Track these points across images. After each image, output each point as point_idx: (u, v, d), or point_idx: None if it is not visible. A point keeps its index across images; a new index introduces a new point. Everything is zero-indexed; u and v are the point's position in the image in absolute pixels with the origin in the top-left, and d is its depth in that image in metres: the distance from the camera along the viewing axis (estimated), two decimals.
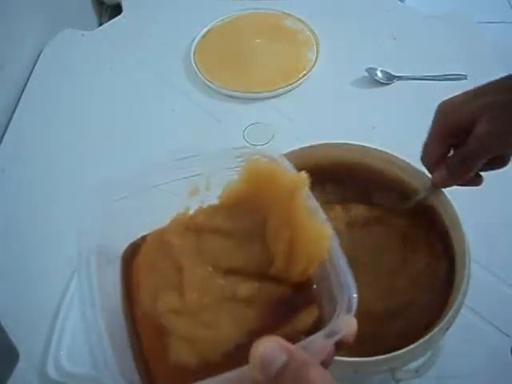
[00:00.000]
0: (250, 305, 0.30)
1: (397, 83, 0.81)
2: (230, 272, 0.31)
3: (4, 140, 0.77)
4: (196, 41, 0.88)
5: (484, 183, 0.68)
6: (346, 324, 0.27)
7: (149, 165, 0.34)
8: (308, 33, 0.88)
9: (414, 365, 0.46)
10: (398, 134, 0.72)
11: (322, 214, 0.31)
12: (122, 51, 0.89)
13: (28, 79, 0.85)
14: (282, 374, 0.24)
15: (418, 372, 0.47)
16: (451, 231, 0.48)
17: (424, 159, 0.47)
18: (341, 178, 0.53)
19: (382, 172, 0.53)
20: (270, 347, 0.24)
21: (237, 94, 0.80)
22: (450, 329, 0.42)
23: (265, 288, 0.30)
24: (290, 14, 0.91)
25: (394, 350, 0.40)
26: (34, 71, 0.86)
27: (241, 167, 0.33)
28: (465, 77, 0.81)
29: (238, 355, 0.26)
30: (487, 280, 0.58)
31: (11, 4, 0.82)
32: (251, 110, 0.79)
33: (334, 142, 0.53)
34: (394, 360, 0.40)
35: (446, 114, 0.44)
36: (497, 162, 0.45)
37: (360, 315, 0.45)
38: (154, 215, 0.33)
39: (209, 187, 0.35)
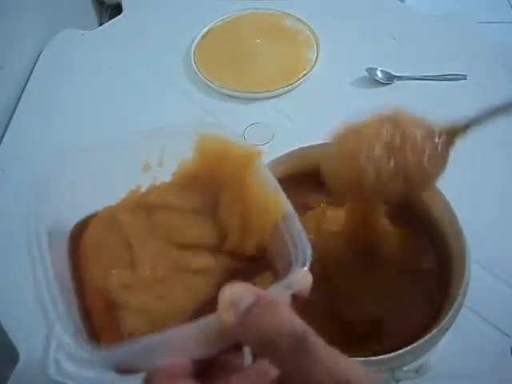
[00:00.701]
0: (205, 276, 0.29)
1: (397, 83, 0.81)
2: (184, 247, 0.30)
3: (4, 140, 0.77)
4: (196, 41, 0.88)
5: (484, 183, 0.69)
6: (302, 277, 0.27)
7: (100, 141, 0.33)
8: (308, 33, 0.88)
9: (414, 365, 0.46)
10: None
11: (276, 185, 0.30)
12: (122, 51, 0.89)
13: (28, 79, 0.85)
14: (250, 311, 0.24)
15: (417, 372, 0.47)
16: (450, 231, 0.48)
17: None
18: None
19: None
20: (238, 289, 0.25)
21: (237, 93, 0.80)
22: (450, 329, 0.42)
23: (220, 260, 0.30)
24: (290, 14, 0.91)
25: (393, 350, 0.40)
26: (33, 71, 0.86)
27: (194, 142, 0.32)
28: (465, 77, 0.81)
29: None
30: (487, 280, 0.58)
31: (11, 4, 0.82)
32: (251, 110, 0.79)
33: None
34: (394, 360, 0.40)
35: None
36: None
37: (360, 315, 0.45)
38: (105, 193, 0.33)
39: (161, 163, 0.34)
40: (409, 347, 0.40)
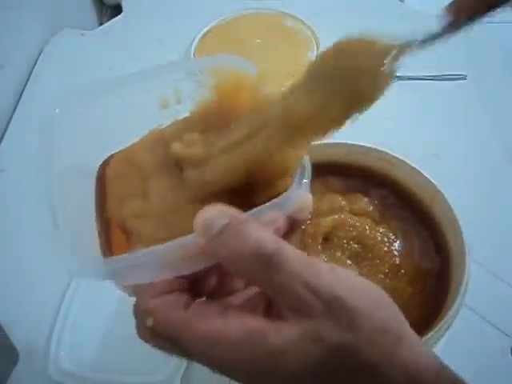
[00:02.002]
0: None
1: (397, 83, 0.81)
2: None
3: (4, 140, 0.77)
4: (196, 41, 0.88)
5: (484, 182, 0.69)
6: (299, 198, 0.26)
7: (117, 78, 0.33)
8: (308, 33, 0.88)
9: None
10: (398, 134, 0.72)
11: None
12: (121, 51, 0.89)
13: (28, 79, 0.85)
14: (222, 233, 0.24)
15: None
16: (450, 231, 0.48)
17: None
18: (339, 178, 0.53)
19: (381, 172, 0.53)
20: (211, 212, 0.25)
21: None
22: (450, 329, 0.42)
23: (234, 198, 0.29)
24: (289, 14, 0.91)
25: None
26: (34, 71, 0.86)
27: (210, 77, 0.32)
28: (465, 77, 0.81)
29: None
30: (487, 280, 0.58)
31: (11, 4, 0.82)
32: None
33: (334, 141, 0.53)
34: None
35: None
36: None
37: None
38: (126, 133, 0.33)
39: (179, 100, 0.34)
40: None
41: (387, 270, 0.48)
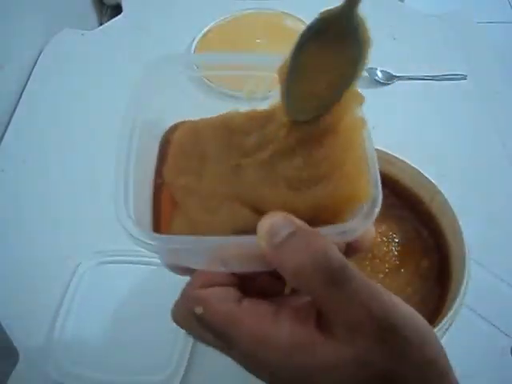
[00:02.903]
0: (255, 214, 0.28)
1: (397, 83, 0.81)
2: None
3: (4, 140, 0.77)
4: (196, 41, 0.88)
5: (484, 182, 0.69)
6: (363, 227, 0.25)
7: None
8: None
9: None
10: (398, 134, 0.72)
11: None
12: (122, 51, 0.89)
13: (28, 79, 0.85)
14: (286, 242, 0.23)
15: None
16: (450, 231, 0.48)
17: None
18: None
19: (381, 172, 0.53)
20: (277, 218, 0.24)
21: (237, 94, 0.80)
22: (450, 329, 0.42)
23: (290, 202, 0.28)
24: (289, 14, 0.91)
25: None
26: (33, 71, 0.86)
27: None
28: (465, 77, 0.81)
29: None
30: (487, 280, 0.58)
31: (11, 4, 0.82)
32: None
33: None
34: None
35: None
36: None
37: None
38: (205, 110, 0.34)
39: (266, 96, 0.34)
40: None
41: (387, 270, 0.48)
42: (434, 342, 0.24)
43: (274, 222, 0.24)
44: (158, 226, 0.29)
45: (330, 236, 0.25)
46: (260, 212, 0.27)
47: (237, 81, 0.79)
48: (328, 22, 0.28)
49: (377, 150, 0.53)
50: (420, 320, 0.24)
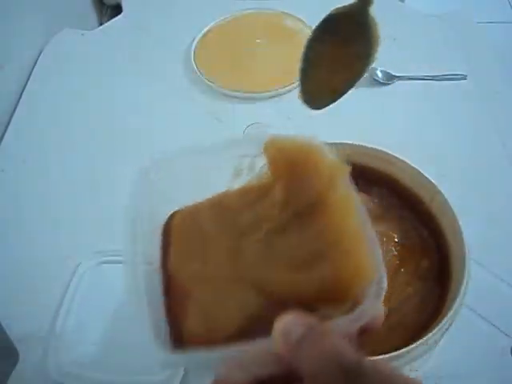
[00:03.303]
0: (260, 295, 0.28)
1: (397, 83, 0.81)
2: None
3: (4, 140, 0.77)
4: (196, 41, 0.88)
5: (484, 182, 0.69)
6: (374, 309, 0.26)
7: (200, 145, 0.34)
8: (308, 33, 0.88)
9: (413, 365, 0.46)
10: (398, 134, 0.72)
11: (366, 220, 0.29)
12: (122, 51, 0.89)
13: (28, 79, 0.85)
14: (301, 342, 0.24)
15: (417, 372, 0.47)
16: (450, 231, 0.48)
17: None
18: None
19: (381, 172, 0.53)
20: (290, 319, 0.25)
21: (237, 93, 0.80)
22: (450, 329, 0.42)
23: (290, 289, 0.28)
24: (289, 14, 0.91)
25: (393, 350, 0.40)
26: (33, 71, 0.86)
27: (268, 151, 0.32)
28: (465, 77, 0.81)
29: (241, 337, 0.26)
30: (487, 280, 0.58)
31: (11, 4, 0.82)
32: (251, 110, 0.79)
33: (334, 141, 0.53)
34: (393, 360, 0.40)
35: None
36: None
37: None
38: (197, 193, 0.34)
39: (253, 170, 0.34)
40: (408, 347, 0.40)
41: (387, 270, 0.48)
42: None
43: (288, 322, 0.25)
44: (174, 324, 0.29)
45: (343, 326, 0.25)
46: (267, 294, 0.27)
47: (237, 81, 0.79)
48: (341, 17, 0.29)
49: (377, 149, 0.54)
50: None
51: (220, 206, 0.33)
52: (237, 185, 0.34)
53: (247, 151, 0.34)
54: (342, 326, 0.25)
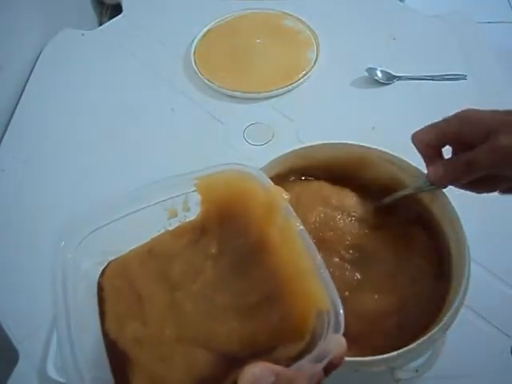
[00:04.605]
0: (207, 351, 0.27)
1: (397, 83, 0.81)
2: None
3: (4, 140, 0.77)
4: (196, 41, 0.88)
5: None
6: (335, 345, 0.26)
7: (128, 192, 0.33)
8: (308, 33, 0.88)
9: (413, 365, 0.46)
10: (398, 134, 0.72)
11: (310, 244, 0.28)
12: (122, 51, 0.89)
13: (28, 79, 0.85)
14: None
15: (417, 372, 0.47)
16: (451, 231, 0.48)
17: (416, 138, 0.47)
18: (340, 177, 0.53)
19: (381, 172, 0.53)
20: (257, 369, 0.24)
21: (237, 93, 0.80)
22: (450, 329, 0.42)
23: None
24: (290, 14, 0.91)
25: (393, 350, 0.40)
26: (33, 71, 0.86)
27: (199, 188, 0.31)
28: (464, 77, 0.81)
29: None
30: (487, 280, 0.58)
31: (11, 4, 0.82)
32: (251, 109, 0.79)
33: (334, 141, 0.53)
34: (393, 360, 0.40)
35: (465, 119, 0.43)
36: (485, 184, 0.45)
37: (358, 315, 0.45)
38: (133, 239, 0.32)
39: (188, 208, 0.33)
40: (408, 347, 0.40)
41: (387, 271, 0.48)
42: None
43: (255, 374, 0.24)
44: None
45: (307, 369, 0.25)
46: (215, 350, 0.26)
47: (237, 81, 0.79)
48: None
49: (377, 149, 0.54)
50: None
51: (150, 255, 0.31)
52: (174, 224, 0.32)
53: (179, 191, 0.33)
54: (307, 368, 0.25)
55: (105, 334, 0.30)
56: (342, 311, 0.26)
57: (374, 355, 0.39)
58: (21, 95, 0.82)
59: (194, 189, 0.32)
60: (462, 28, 0.90)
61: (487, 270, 0.59)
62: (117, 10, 1.02)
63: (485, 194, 0.65)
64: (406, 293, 0.47)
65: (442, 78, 0.81)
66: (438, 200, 0.49)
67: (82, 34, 0.93)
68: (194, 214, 0.33)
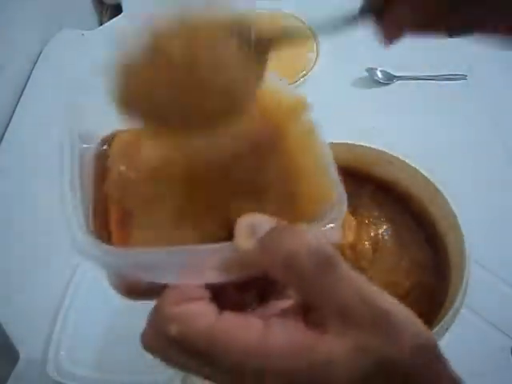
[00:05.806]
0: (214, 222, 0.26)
1: (397, 83, 0.81)
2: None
3: (4, 140, 0.77)
4: None
5: (484, 182, 0.69)
6: (333, 231, 0.25)
7: None
8: (308, 32, 0.88)
9: None
10: (398, 134, 0.72)
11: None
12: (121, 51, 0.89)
13: (28, 79, 0.85)
14: (271, 235, 0.23)
15: None
16: (450, 230, 0.48)
17: None
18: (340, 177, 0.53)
19: (381, 172, 0.53)
20: (257, 216, 0.24)
21: None
22: (450, 329, 0.42)
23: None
24: (290, 14, 0.91)
25: None
26: (33, 71, 0.86)
27: None
28: (464, 77, 0.81)
29: None
30: (487, 280, 0.58)
31: (11, 4, 0.82)
32: None
33: (334, 141, 0.53)
34: None
35: None
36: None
37: None
38: None
39: None
40: None
41: (386, 270, 0.48)
42: (424, 327, 0.25)
43: (254, 220, 0.24)
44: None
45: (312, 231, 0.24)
46: (226, 225, 0.25)
47: None
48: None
49: (377, 149, 0.54)
50: (406, 308, 0.24)
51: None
52: None
53: None
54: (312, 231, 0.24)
55: (96, 193, 0.29)
56: (345, 201, 0.26)
57: None
58: (21, 95, 0.82)
59: None
60: None
61: (487, 269, 0.59)
62: (117, 10, 1.02)
63: (485, 194, 0.66)
64: (406, 293, 0.47)
65: (442, 78, 0.81)
66: (438, 200, 0.49)
67: (82, 34, 0.93)
68: None
